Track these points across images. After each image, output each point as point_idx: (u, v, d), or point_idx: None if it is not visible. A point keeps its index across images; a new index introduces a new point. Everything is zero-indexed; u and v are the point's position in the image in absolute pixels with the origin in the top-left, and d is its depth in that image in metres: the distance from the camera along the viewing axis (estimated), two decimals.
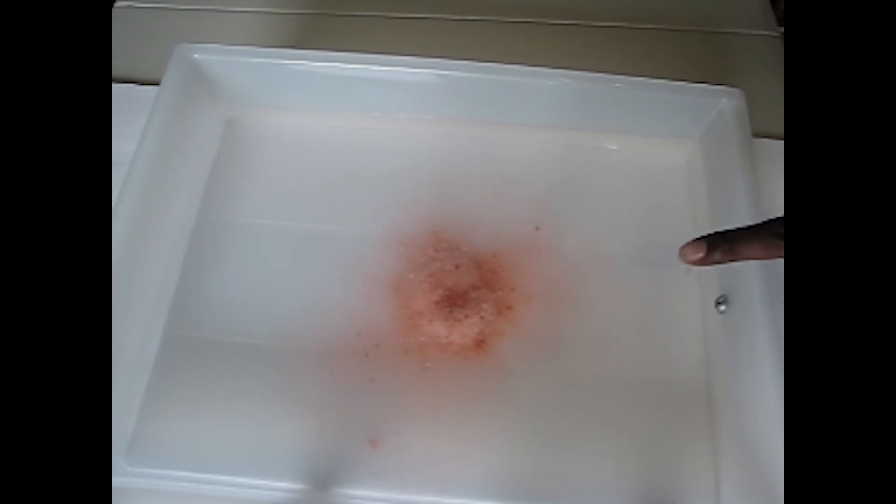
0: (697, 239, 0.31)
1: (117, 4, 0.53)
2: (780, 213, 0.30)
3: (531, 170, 0.44)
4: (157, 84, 0.40)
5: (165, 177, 0.39)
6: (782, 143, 0.45)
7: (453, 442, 0.35)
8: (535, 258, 0.41)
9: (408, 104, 0.43)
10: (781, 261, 0.30)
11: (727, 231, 0.31)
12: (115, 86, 0.47)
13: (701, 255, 0.31)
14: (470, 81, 0.41)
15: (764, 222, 0.31)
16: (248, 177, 0.43)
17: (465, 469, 0.35)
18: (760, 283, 0.34)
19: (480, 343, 0.38)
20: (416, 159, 0.44)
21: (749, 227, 0.31)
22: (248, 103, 0.44)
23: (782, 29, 0.53)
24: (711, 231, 0.40)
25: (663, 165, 0.44)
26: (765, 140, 0.45)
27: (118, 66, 0.48)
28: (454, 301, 0.38)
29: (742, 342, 0.35)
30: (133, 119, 0.38)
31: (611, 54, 0.51)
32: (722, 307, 0.37)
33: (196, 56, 0.41)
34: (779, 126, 0.46)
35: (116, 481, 0.33)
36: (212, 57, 0.41)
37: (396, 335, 0.38)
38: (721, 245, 0.31)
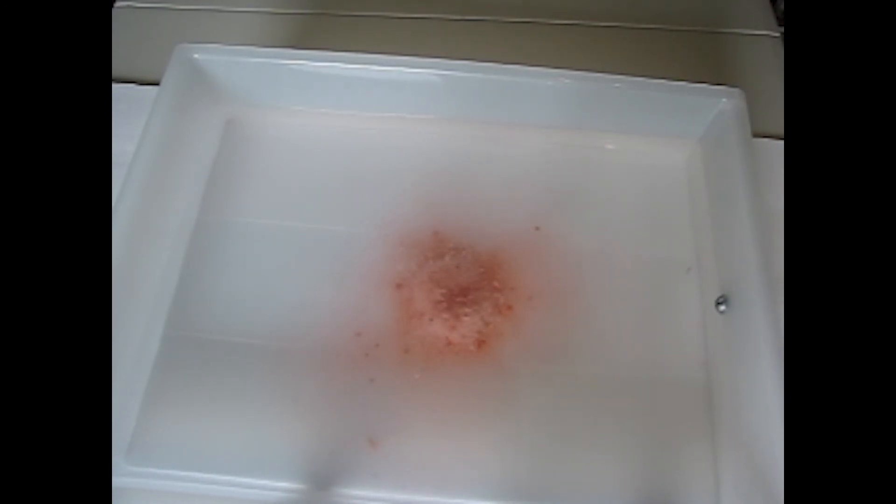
0: None
1: (117, 4, 0.53)
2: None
3: (531, 170, 0.44)
4: (157, 84, 0.40)
5: (165, 177, 0.39)
6: (782, 143, 0.45)
7: (453, 442, 0.35)
8: (535, 258, 0.41)
9: (408, 104, 0.43)
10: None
11: None
12: (115, 86, 0.47)
13: None
14: (470, 81, 0.41)
15: None
16: (248, 177, 0.43)
17: (465, 469, 0.35)
18: (760, 283, 0.34)
19: (481, 343, 0.38)
20: (415, 159, 0.44)
21: None
22: (248, 103, 0.44)
23: (782, 29, 0.53)
24: (710, 231, 0.40)
25: (663, 165, 0.44)
26: (765, 140, 0.45)
27: (118, 66, 0.48)
28: (454, 301, 0.38)
29: (742, 342, 0.35)
30: (133, 119, 0.38)
31: (611, 54, 0.51)
32: (722, 307, 0.37)
33: (196, 56, 0.41)
34: (779, 126, 0.46)
35: (116, 481, 0.33)
36: (212, 57, 0.41)
37: (396, 335, 0.38)
38: None
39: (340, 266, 0.40)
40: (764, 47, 0.52)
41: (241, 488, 0.33)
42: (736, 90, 0.41)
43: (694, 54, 0.51)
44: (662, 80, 0.41)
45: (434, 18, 0.53)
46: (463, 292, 0.39)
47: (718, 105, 0.41)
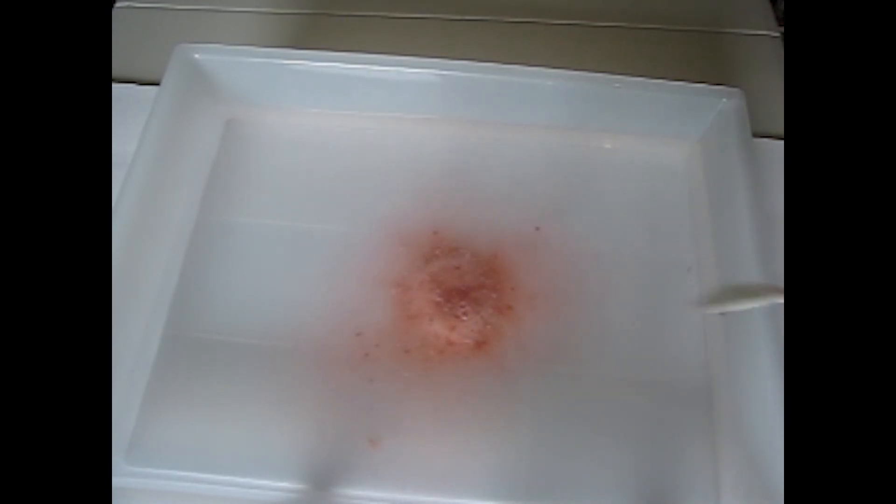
0: None
1: (117, 4, 0.53)
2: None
3: (531, 170, 0.44)
4: (157, 84, 0.40)
5: (165, 177, 0.39)
6: (782, 143, 0.45)
7: (453, 442, 0.35)
8: (535, 258, 0.41)
9: (408, 104, 0.43)
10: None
11: None
12: (115, 86, 0.47)
13: None
14: (470, 81, 0.41)
15: None
16: (248, 177, 0.43)
17: (465, 469, 0.35)
18: (760, 283, 0.34)
19: (481, 343, 0.38)
20: (415, 159, 0.44)
21: None
22: (248, 103, 0.44)
23: (782, 29, 0.53)
24: (710, 231, 0.40)
25: (663, 165, 0.44)
26: (765, 140, 0.45)
27: (118, 66, 0.48)
28: (455, 301, 0.38)
29: (742, 342, 0.35)
30: (133, 119, 0.38)
31: (611, 54, 0.51)
32: None
33: (196, 56, 0.41)
34: (779, 126, 0.46)
35: (116, 481, 0.33)
36: (212, 57, 0.41)
37: (396, 335, 0.38)
38: None
39: (340, 266, 0.40)
40: (764, 47, 0.52)
41: (241, 488, 0.33)
42: (736, 90, 0.41)
43: (694, 54, 0.51)
44: (662, 80, 0.41)
45: (434, 18, 0.53)
46: (463, 292, 0.39)
47: (718, 105, 0.41)
